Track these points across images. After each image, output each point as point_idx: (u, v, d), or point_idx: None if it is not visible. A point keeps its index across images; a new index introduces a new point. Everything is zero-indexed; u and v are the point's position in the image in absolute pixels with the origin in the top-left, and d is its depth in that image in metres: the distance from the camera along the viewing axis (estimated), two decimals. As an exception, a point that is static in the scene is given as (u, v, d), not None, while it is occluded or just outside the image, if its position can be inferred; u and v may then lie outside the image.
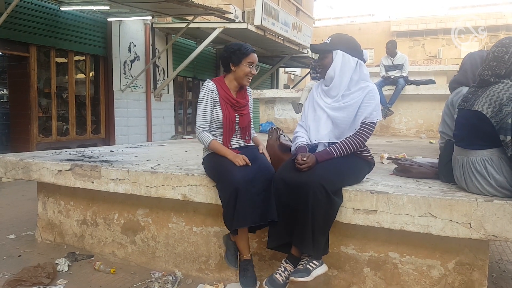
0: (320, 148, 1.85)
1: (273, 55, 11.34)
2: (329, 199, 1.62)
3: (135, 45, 7.93)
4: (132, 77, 7.81)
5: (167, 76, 8.84)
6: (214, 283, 2.15)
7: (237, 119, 2.00)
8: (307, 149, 1.85)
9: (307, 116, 1.95)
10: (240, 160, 1.83)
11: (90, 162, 2.54)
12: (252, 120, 2.11)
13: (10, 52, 5.87)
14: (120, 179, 2.29)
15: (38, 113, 6.30)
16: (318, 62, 1.98)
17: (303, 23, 11.07)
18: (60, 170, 2.50)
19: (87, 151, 3.32)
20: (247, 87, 2.10)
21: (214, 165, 1.94)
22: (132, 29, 7.82)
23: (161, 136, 8.77)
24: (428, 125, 5.76)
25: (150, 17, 7.54)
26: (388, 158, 2.68)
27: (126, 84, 7.70)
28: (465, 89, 2.05)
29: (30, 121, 6.13)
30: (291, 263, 1.74)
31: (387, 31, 25.16)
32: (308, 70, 12.27)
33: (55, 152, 3.21)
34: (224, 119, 1.96)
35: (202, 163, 2.10)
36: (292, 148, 1.94)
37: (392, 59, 5.79)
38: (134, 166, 2.40)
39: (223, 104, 1.97)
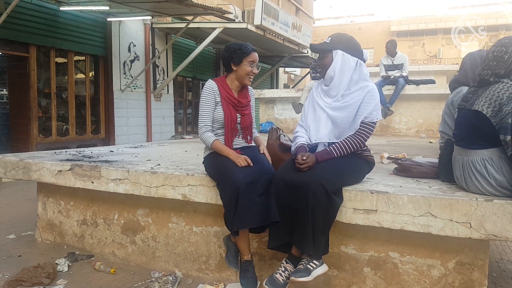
0: (320, 148, 1.85)
1: (273, 55, 11.34)
2: (329, 199, 1.62)
3: (135, 45, 7.93)
4: (132, 77, 7.81)
5: (167, 76, 8.84)
6: (214, 283, 2.15)
7: (238, 119, 2.00)
8: (307, 149, 1.85)
9: (307, 116, 1.95)
10: (242, 160, 1.83)
11: (90, 162, 2.54)
12: (254, 120, 2.11)
13: (10, 52, 5.87)
14: (120, 179, 2.29)
15: (38, 113, 6.30)
16: (318, 62, 1.98)
17: (303, 23, 11.07)
18: (60, 170, 2.50)
19: (87, 151, 3.32)
20: (249, 87, 2.10)
21: (216, 165, 1.94)
22: (132, 29, 7.82)
23: (161, 136, 8.77)
24: (428, 125, 5.76)
25: (149, 17, 7.54)
26: (388, 157, 2.68)
27: (126, 84, 7.69)
28: (465, 89, 2.05)
29: (30, 121, 6.13)
30: (291, 263, 1.74)
31: (387, 31, 25.16)
32: (308, 70, 12.28)
33: (55, 152, 3.21)
34: (226, 119, 1.96)
35: (202, 163, 2.10)
36: (292, 148, 1.94)
37: (392, 58, 5.79)
38: (134, 166, 2.40)
39: (225, 104, 1.96)
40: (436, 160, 2.07)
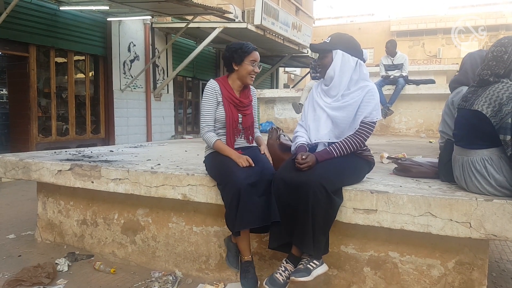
0: (320, 148, 1.85)
1: (273, 54, 11.34)
2: (329, 198, 1.62)
3: (134, 45, 7.92)
4: (132, 77, 7.81)
5: (167, 76, 8.84)
6: (214, 282, 2.15)
7: (240, 119, 2.00)
8: (307, 149, 1.85)
9: (307, 116, 1.95)
10: (243, 161, 1.83)
11: (90, 162, 2.54)
12: (256, 120, 2.11)
13: (10, 52, 5.87)
14: (120, 179, 2.29)
15: (37, 113, 6.29)
16: (318, 62, 1.98)
17: (303, 23, 11.07)
18: (60, 170, 2.50)
19: (87, 151, 3.32)
20: (251, 87, 2.10)
21: (217, 164, 1.93)
22: (131, 28, 7.82)
23: (161, 136, 8.77)
24: (428, 125, 5.77)
25: (149, 17, 7.54)
26: (388, 157, 2.68)
27: (125, 84, 7.69)
28: (465, 89, 2.05)
29: (30, 121, 6.13)
30: (291, 262, 1.74)
31: (387, 31, 25.16)
32: (308, 69, 12.28)
33: (55, 152, 3.21)
34: (227, 119, 1.96)
35: (204, 162, 2.10)
36: (292, 148, 1.94)
37: (392, 58, 5.79)
38: (134, 166, 2.40)
39: (226, 104, 1.96)
40: (436, 160, 2.07)
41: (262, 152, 2.01)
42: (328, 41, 1.88)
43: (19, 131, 6.25)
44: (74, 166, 2.46)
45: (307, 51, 11.36)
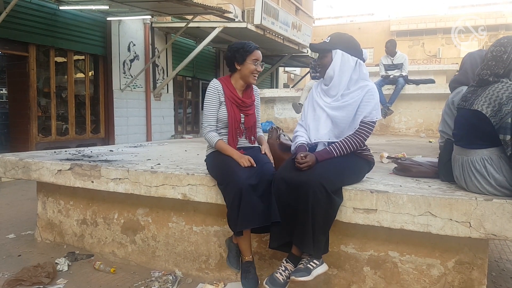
0: (319, 147, 1.85)
1: (272, 54, 11.34)
2: (329, 198, 1.62)
3: (134, 45, 7.92)
4: (132, 77, 7.81)
5: (167, 76, 8.83)
6: (214, 282, 2.15)
7: (242, 119, 2.00)
8: (307, 148, 1.85)
9: (307, 116, 1.95)
10: (245, 161, 1.83)
11: (89, 162, 2.54)
12: (259, 120, 2.11)
13: (9, 51, 5.86)
14: (120, 179, 2.29)
15: (37, 113, 6.29)
16: (318, 62, 1.98)
17: (303, 23, 11.07)
18: (60, 170, 2.50)
19: (87, 150, 3.32)
20: (254, 86, 2.10)
21: (218, 164, 1.93)
22: (131, 28, 7.81)
23: (160, 136, 8.77)
24: (427, 125, 5.77)
25: (149, 17, 7.53)
26: (388, 157, 2.69)
27: (125, 84, 7.69)
28: (465, 89, 2.05)
29: (30, 121, 6.13)
30: (291, 262, 1.74)
31: (386, 31, 25.16)
32: (307, 69, 12.28)
33: (55, 152, 3.21)
34: (230, 119, 1.96)
35: (205, 160, 2.10)
36: (292, 148, 1.94)
37: (391, 58, 5.79)
38: (134, 165, 2.40)
39: (229, 104, 1.96)
40: (436, 160, 2.07)
41: (263, 152, 2.01)
42: (327, 41, 1.88)
43: (19, 130, 6.25)
44: (74, 166, 2.46)
45: (307, 50, 11.36)
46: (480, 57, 2.14)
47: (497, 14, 23.57)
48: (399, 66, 5.73)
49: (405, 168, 2.12)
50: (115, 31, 7.42)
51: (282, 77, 16.44)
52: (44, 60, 6.46)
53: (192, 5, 6.09)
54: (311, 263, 1.67)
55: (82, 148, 3.52)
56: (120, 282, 2.21)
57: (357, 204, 1.73)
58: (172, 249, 2.36)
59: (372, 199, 1.69)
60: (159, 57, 8.50)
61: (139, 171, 2.23)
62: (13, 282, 2.10)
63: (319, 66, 1.97)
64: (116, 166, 2.35)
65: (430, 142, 4.60)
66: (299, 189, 1.65)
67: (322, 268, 1.70)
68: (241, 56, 1.94)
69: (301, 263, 1.69)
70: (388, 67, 5.81)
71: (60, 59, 6.80)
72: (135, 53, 7.96)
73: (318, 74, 5.31)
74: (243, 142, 2.04)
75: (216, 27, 7.76)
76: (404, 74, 5.68)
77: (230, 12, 9.02)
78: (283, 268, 1.72)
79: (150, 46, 8.27)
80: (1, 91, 7.65)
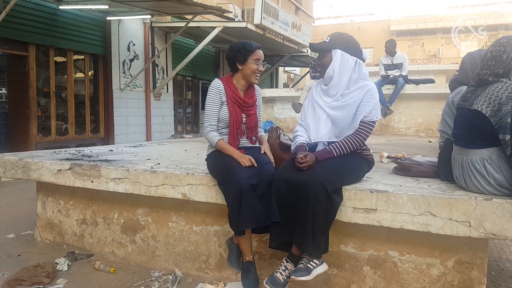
0: (319, 147, 1.85)
1: (272, 54, 11.34)
2: (329, 198, 1.62)
3: (134, 44, 7.91)
4: (131, 76, 7.80)
5: (167, 75, 8.83)
6: (214, 282, 2.15)
7: (244, 119, 1.99)
8: (307, 148, 1.85)
9: (307, 115, 1.95)
10: (246, 160, 1.83)
11: (89, 162, 2.54)
12: (261, 119, 2.11)
13: (9, 51, 5.86)
14: (120, 179, 2.29)
15: (37, 113, 6.29)
16: (318, 61, 1.98)
17: (303, 22, 11.07)
18: (60, 170, 2.50)
19: (87, 150, 3.32)
20: (256, 86, 2.09)
21: (219, 163, 1.93)
22: (131, 28, 7.81)
23: (160, 136, 8.77)
24: (427, 124, 5.77)
25: (149, 16, 7.53)
26: (388, 157, 2.69)
27: (125, 83, 7.69)
28: (465, 89, 2.05)
29: (29, 121, 6.12)
30: (291, 262, 1.74)
31: (386, 30, 25.17)
32: (307, 69, 12.27)
33: (54, 152, 3.21)
34: (231, 119, 1.96)
35: (205, 159, 2.10)
36: (292, 147, 1.94)
37: (391, 58, 5.79)
38: (133, 165, 2.40)
39: (230, 104, 1.96)
40: (436, 160, 2.07)
41: (262, 152, 2.01)
42: (327, 41, 1.88)
43: (19, 130, 6.24)
44: (74, 166, 2.46)
45: (307, 50, 11.36)
46: (480, 57, 2.14)
47: (496, 14, 23.58)
48: (398, 66, 5.73)
49: (405, 168, 2.12)
50: (114, 30, 7.42)
51: (282, 76, 16.44)
52: (44, 59, 6.46)
53: (192, 5, 6.09)
54: (311, 262, 1.67)
55: (82, 148, 3.51)
56: (120, 282, 2.21)
57: (357, 204, 1.73)
58: (172, 249, 2.37)
59: (372, 199, 1.69)
60: (159, 56, 8.50)
61: (139, 171, 2.23)
62: (13, 282, 2.10)
63: (319, 65, 1.97)
64: (116, 166, 2.35)
65: (429, 141, 4.60)
66: (299, 189, 1.65)
67: (322, 268, 1.70)
68: (242, 55, 1.94)
69: (301, 263, 1.69)
70: (387, 67, 5.81)
71: (59, 59, 6.80)
72: (135, 52, 7.96)
73: (318, 74, 5.31)
74: (244, 142, 2.04)
75: (216, 27, 7.76)
76: (404, 74, 5.68)
77: (230, 12, 9.02)
78: (283, 268, 1.72)
79: (150, 46, 8.27)
80: (1, 91, 7.65)
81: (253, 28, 8.31)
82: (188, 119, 10.38)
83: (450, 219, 1.58)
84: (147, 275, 2.27)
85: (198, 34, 8.90)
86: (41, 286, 2.11)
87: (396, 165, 2.21)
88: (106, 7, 6.23)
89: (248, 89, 2.05)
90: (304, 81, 13.85)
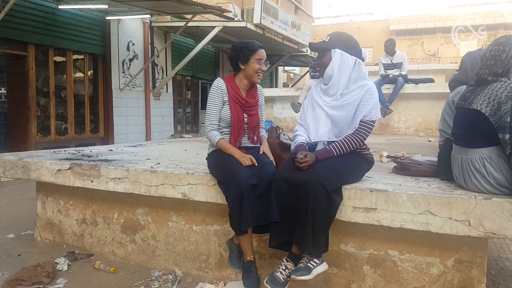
0: (319, 147, 1.85)
1: (272, 53, 11.33)
2: (329, 197, 1.63)
3: (133, 44, 7.91)
4: (131, 76, 7.80)
5: (166, 75, 8.83)
6: (214, 281, 2.15)
7: (245, 119, 1.99)
8: (307, 148, 1.85)
9: (306, 115, 1.95)
10: (246, 160, 1.83)
11: (89, 161, 2.54)
12: (263, 119, 2.11)
13: (8, 51, 5.85)
14: (119, 178, 2.29)
15: (36, 112, 6.28)
16: (317, 61, 1.99)
17: (302, 22, 11.07)
18: (59, 169, 2.50)
19: (86, 150, 3.32)
20: (258, 86, 2.09)
21: (220, 163, 1.93)
22: (130, 27, 7.80)
23: (160, 135, 8.76)
24: (427, 124, 5.78)
25: (148, 16, 7.53)
26: (388, 156, 2.69)
27: (124, 83, 7.68)
28: (465, 88, 2.05)
29: (29, 120, 6.12)
30: (291, 261, 1.74)
31: (386, 30, 25.17)
32: (307, 68, 12.28)
33: (54, 151, 3.20)
34: (232, 119, 1.95)
35: (206, 158, 2.10)
36: (292, 147, 1.94)
37: (391, 57, 5.79)
38: (133, 165, 2.40)
39: (232, 104, 1.96)
40: (435, 159, 2.07)
41: (261, 152, 2.00)
42: (327, 40, 1.88)
43: (18, 130, 6.24)
44: (74, 166, 2.46)
45: (307, 50, 11.36)
46: (480, 56, 2.14)
47: (496, 14, 23.59)
48: (398, 65, 5.73)
49: (404, 167, 2.12)
50: (114, 30, 7.41)
51: (282, 76, 16.44)
52: (43, 59, 6.45)
53: (191, 4, 6.09)
54: (311, 262, 1.67)
55: (81, 148, 3.51)
56: (120, 281, 2.21)
57: (357, 203, 1.73)
58: (172, 249, 2.37)
59: (372, 198, 1.70)
60: (158, 56, 8.50)
61: (139, 171, 2.23)
62: (13, 282, 2.10)
63: (318, 65, 1.97)
64: (116, 166, 2.35)
65: (429, 141, 4.60)
66: (299, 189, 1.65)
67: (322, 267, 1.70)
68: (245, 55, 1.93)
69: (301, 262, 1.69)
70: (387, 66, 5.82)
71: (59, 59, 6.79)
72: (134, 52, 7.95)
73: (317, 73, 5.31)
74: (245, 142, 2.04)
75: (215, 26, 7.75)
76: (403, 73, 5.68)
77: (230, 11, 9.01)
78: (284, 267, 1.73)
79: (149, 46, 8.27)
80: (0, 91, 7.63)
81: (252, 27, 8.31)
82: (188, 119, 10.37)
83: (450, 218, 1.58)
84: (147, 275, 2.28)
85: (197, 33, 8.90)
86: (41, 286, 2.11)
87: (395, 164, 2.22)
88: (106, 6, 6.22)
89: (250, 89, 2.04)
90: (304, 81, 13.86)
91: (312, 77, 5.76)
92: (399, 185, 1.82)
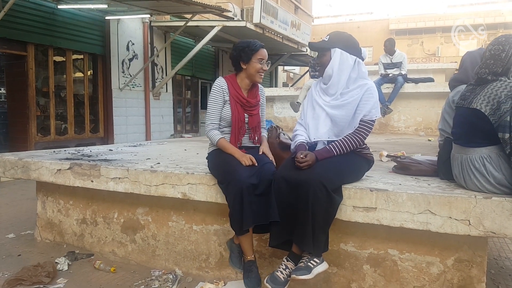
0: (319, 146, 1.85)
1: (272, 53, 11.33)
2: (329, 197, 1.63)
3: (133, 44, 7.90)
4: (131, 76, 7.79)
5: (166, 75, 8.82)
6: (215, 281, 2.15)
7: (246, 119, 1.99)
8: (307, 147, 1.85)
9: (306, 114, 1.95)
10: (246, 159, 1.83)
11: (89, 161, 2.54)
12: (263, 119, 2.10)
13: (8, 51, 5.85)
14: (119, 178, 2.29)
15: (36, 112, 6.28)
16: (317, 60, 1.99)
17: (302, 21, 11.06)
18: (59, 169, 2.50)
19: (86, 150, 3.32)
20: (260, 86, 2.09)
21: (220, 162, 1.93)
22: (130, 27, 7.79)
23: (160, 135, 8.76)
24: (427, 123, 5.78)
25: (148, 15, 7.52)
26: (388, 156, 2.69)
27: (124, 83, 7.68)
28: (464, 88, 2.05)
29: (28, 120, 6.11)
30: (292, 260, 1.74)
31: (385, 29, 25.16)
32: (307, 68, 12.28)
33: (54, 151, 3.20)
34: (233, 118, 1.95)
35: (206, 158, 2.10)
36: (292, 146, 1.94)
37: (390, 57, 5.79)
38: (133, 165, 2.40)
39: (233, 103, 1.96)
40: (435, 158, 2.07)
41: (260, 152, 2.00)
42: (326, 40, 1.88)
43: (18, 130, 6.24)
44: (74, 165, 2.45)
45: (306, 49, 11.36)
46: (480, 56, 2.14)
47: (495, 13, 23.59)
48: (398, 65, 5.73)
49: (404, 167, 2.12)
50: (113, 30, 7.41)
51: (281, 76, 16.44)
52: (43, 59, 6.45)
53: (191, 4, 6.08)
54: (311, 261, 1.67)
55: (81, 148, 3.51)
56: (120, 281, 2.21)
57: (357, 203, 1.73)
58: (172, 248, 2.37)
59: (372, 198, 1.70)
60: (158, 56, 8.49)
61: (139, 170, 2.23)
62: (13, 282, 2.10)
63: (318, 64, 1.97)
64: (116, 166, 2.35)
65: (429, 140, 4.60)
66: (299, 188, 1.66)
67: (323, 267, 1.70)
68: (246, 55, 1.93)
69: (302, 262, 1.69)
70: (387, 66, 5.82)
71: (58, 58, 6.79)
72: (134, 52, 7.95)
73: (317, 73, 5.30)
74: (245, 141, 2.04)
75: (215, 26, 7.75)
76: (403, 72, 5.68)
77: (229, 11, 9.01)
78: (284, 267, 1.73)
79: (149, 45, 8.26)
80: (0, 91, 7.63)
81: (252, 27, 8.31)
82: (188, 119, 10.37)
83: (450, 217, 1.58)
84: (147, 275, 2.28)
85: (197, 33, 8.89)
86: (42, 286, 2.11)
87: (395, 163, 2.22)
88: (105, 6, 6.22)
89: (251, 89, 2.04)
90: (304, 80, 13.86)
91: (312, 76, 5.75)
92: (399, 184, 1.82)
